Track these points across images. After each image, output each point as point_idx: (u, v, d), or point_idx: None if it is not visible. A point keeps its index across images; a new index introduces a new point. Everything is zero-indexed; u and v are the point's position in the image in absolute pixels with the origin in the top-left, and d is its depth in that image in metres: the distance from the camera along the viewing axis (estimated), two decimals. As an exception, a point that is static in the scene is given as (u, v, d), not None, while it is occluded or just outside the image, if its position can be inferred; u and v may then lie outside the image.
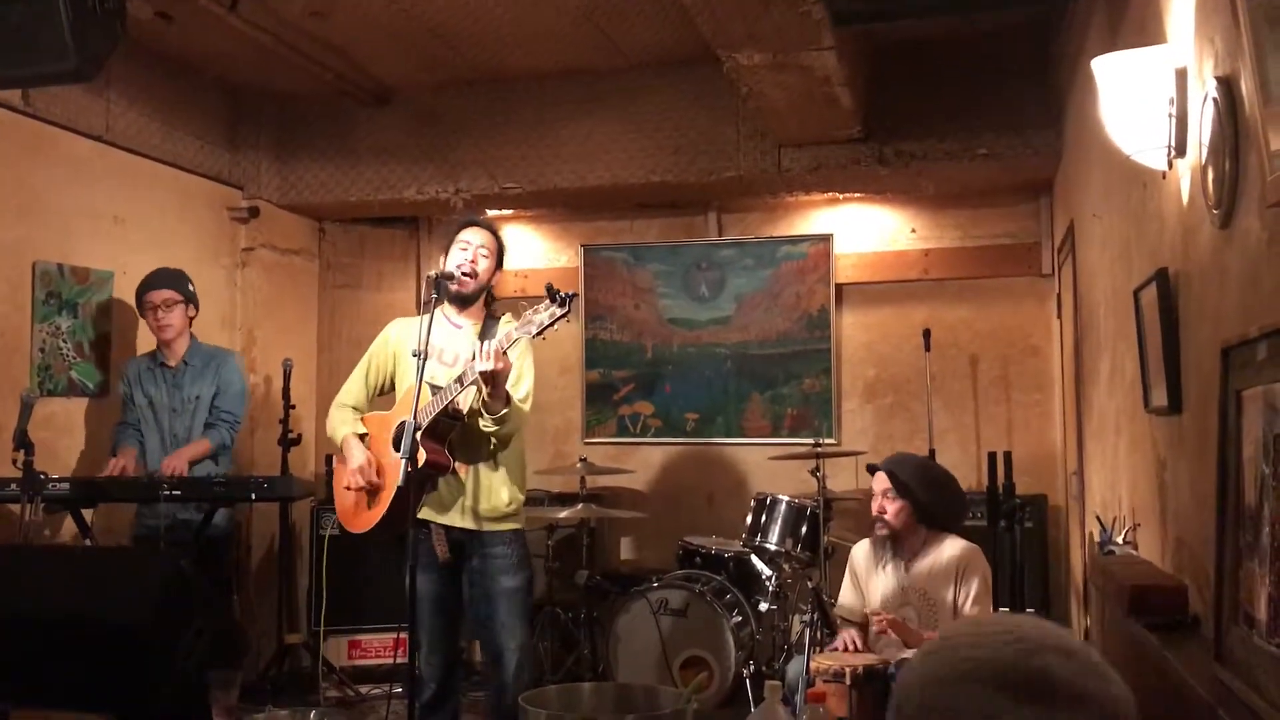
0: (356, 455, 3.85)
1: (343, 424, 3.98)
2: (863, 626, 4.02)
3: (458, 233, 3.96)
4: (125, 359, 5.18)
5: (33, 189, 4.81)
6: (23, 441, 4.20)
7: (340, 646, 5.70)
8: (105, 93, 5.11)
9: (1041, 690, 1.01)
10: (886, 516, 3.89)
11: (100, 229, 5.18)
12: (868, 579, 4.05)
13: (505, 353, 3.50)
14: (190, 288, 5.05)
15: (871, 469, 4.04)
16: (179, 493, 4.58)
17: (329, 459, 6.01)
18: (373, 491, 3.80)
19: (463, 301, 3.93)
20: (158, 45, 5.32)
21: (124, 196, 5.31)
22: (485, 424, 3.66)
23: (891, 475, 3.89)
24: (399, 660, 5.28)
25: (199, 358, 5.04)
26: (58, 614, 2.38)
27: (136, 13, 4.54)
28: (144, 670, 2.31)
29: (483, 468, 3.83)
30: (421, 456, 3.58)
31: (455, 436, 3.76)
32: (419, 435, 3.58)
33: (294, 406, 5.45)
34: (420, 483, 3.70)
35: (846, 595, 4.14)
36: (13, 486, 4.20)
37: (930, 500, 3.90)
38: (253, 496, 4.80)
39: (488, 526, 3.82)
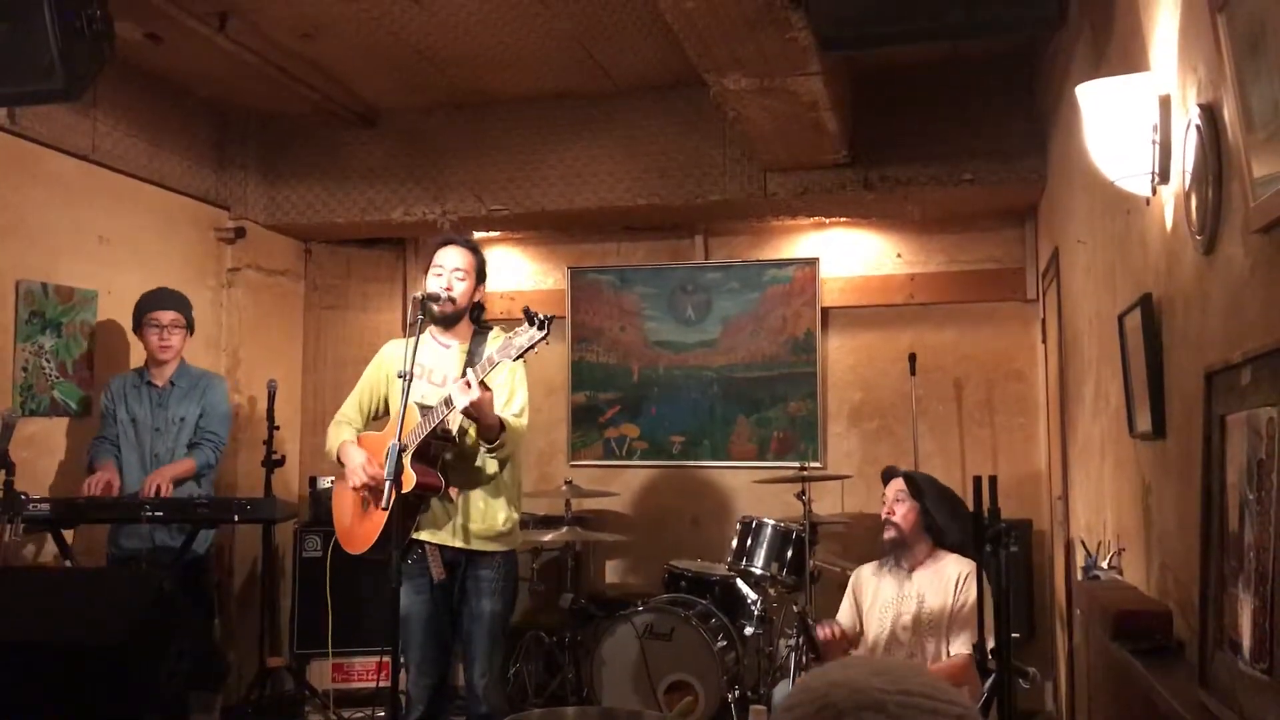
0: (356, 455, 3.85)
1: (339, 438, 3.98)
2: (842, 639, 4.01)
3: (434, 253, 3.96)
4: (108, 378, 5.14)
5: (17, 208, 4.79)
6: (3, 461, 4.17)
7: (323, 670, 5.65)
8: (92, 112, 5.10)
9: None
10: (895, 518, 3.95)
11: (85, 248, 5.15)
12: (865, 600, 4.06)
13: (484, 383, 3.50)
14: (191, 314, 5.11)
15: (888, 474, 4.12)
16: (160, 513, 4.55)
17: (313, 480, 6.00)
18: (373, 513, 3.79)
19: (446, 322, 3.94)
20: (145, 65, 5.32)
21: (109, 216, 5.30)
22: (483, 450, 3.68)
23: (907, 479, 3.99)
24: (383, 683, 5.24)
25: (186, 379, 5.04)
26: (38, 636, 2.36)
27: (125, 33, 4.54)
28: (125, 692, 2.29)
29: (479, 487, 3.83)
30: (412, 479, 3.58)
31: (448, 458, 3.75)
32: (409, 458, 3.58)
33: (278, 427, 5.42)
34: (412, 504, 3.70)
35: (842, 615, 4.13)
36: (-8, 507, 4.17)
37: (939, 512, 3.96)
38: (235, 518, 4.77)
39: (482, 546, 3.83)
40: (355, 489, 3.83)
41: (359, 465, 3.80)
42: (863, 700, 1.03)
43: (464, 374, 3.57)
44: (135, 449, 4.92)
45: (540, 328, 3.34)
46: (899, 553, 3.98)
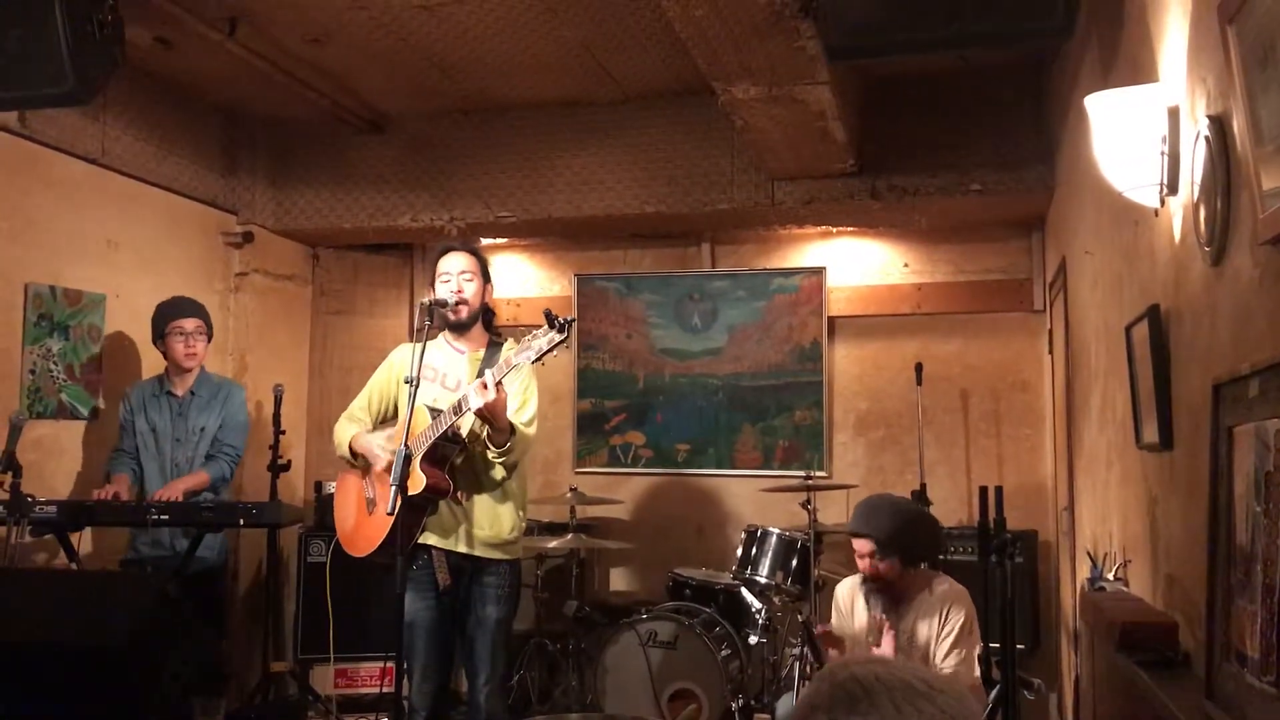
0: (373, 440, 3.86)
1: (349, 432, 3.97)
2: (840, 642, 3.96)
3: (437, 262, 3.97)
4: (117, 382, 5.15)
5: (27, 210, 4.81)
6: (10, 464, 4.17)
7: (327, 675, 5.65)
8: (101, 116, 5.12)
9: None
10: (880, 574, 3.81)
11: (93, 252, 5.17)
12: (854, 617, 4.01)
13: (500, 384, 3.50)
14: (210, 321, 5.14)
15: (852, 534, 3.88)
16: (166, 517, 4.55)
17: (318, 485, 6.01)
18: (374, 510, 3.79)
19: (460, 328, 3.94)
20: (155, 69, 5.34)
21: (118, 220, 5.31)
22: (492, 455, 3.67)
23: (876, 540, 3.77)
24: (386, 689, 5.24)
25: (207, 389, 5.04)
26: (42, 638, 2.36)
27: (135, 37, 4.56)
28: (128, 695, 2.29)
29: (488, 494, 3.82)
30: (421, 481, 3.57)
31: (457, 461, 3.75)
32: (419, 459, 3.58)
33: (284, 432, 5.42)
34: (419, 507, 3.69)
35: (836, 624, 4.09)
36: (-1, 509, 4.18)
37: (914, 546, 3.85)
38: (241, 522, 4.77)
39: (488, 553, 3.82)
40: (382, 471, 3.82)
41: (378, 445, 3.81)
42: (862, 658, 1.18)
43: (481, 376, 3.57)
44: (155, 459, 4.91)
45: (560, 330, 3.34)
46: (882, 590, 3.88)
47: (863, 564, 3.84)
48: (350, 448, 3.93)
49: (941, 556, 5.25)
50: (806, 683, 3.82)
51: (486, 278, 4.00)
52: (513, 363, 3.48)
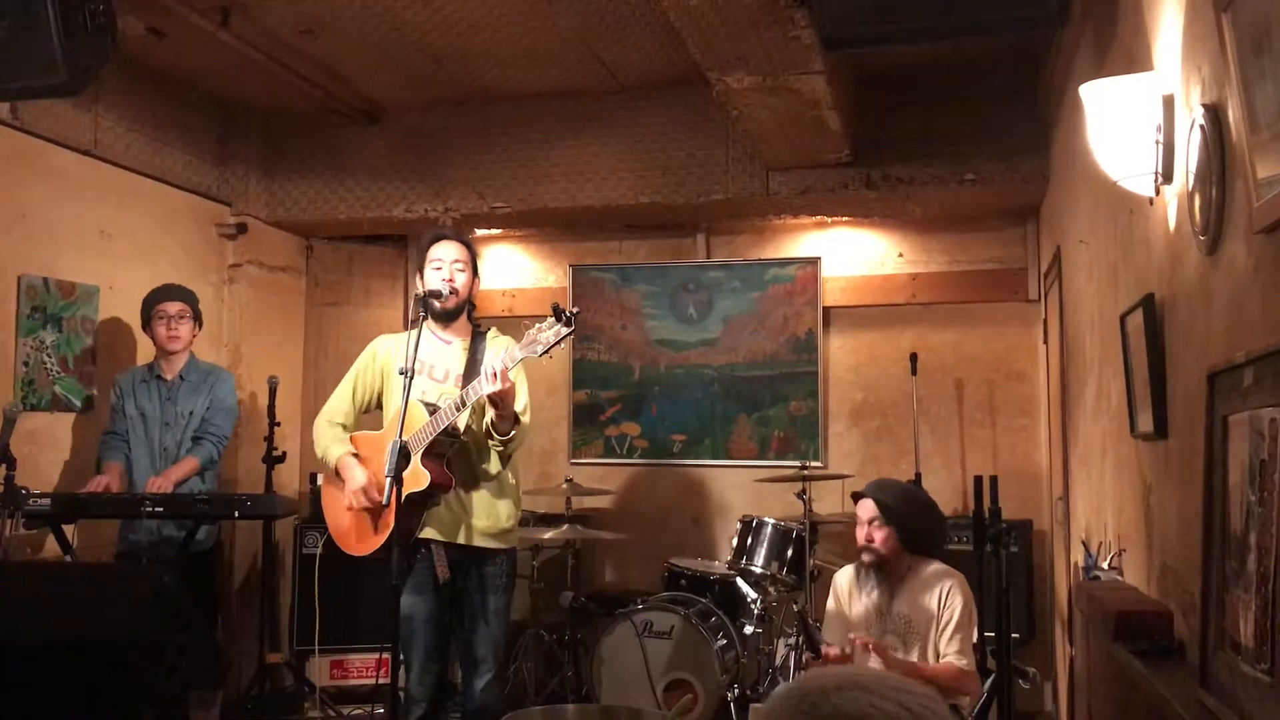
0: (357, 476, 3.81)
1: (334, 443, 3.93)
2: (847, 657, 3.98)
3: (428, 249, 3.96)
4: (111, 374, 5.15)
5: (19, 202, 4.79)
6: (4, 456, 4.17)
7: (323, 666, 5.65)
8: (94, 107, 5.10)
9: None
10: (875, 544, 3.83)
11: (87, 243, 5.15)
12: (851, 605, 4.02)
13: (509, 372, 3.50)
14: (199, 308, 5.14)
15: (856, 496, 3.97)
16: (161, 509, 4.55)
17: (313, 477, 6.00)
18: (375, 513, 3.77)
19: (447, 317, 3.93)
20: (148, 60, 5.31)
21: (111, 211, 5.30)
22: (495, 444, 3.68)
23: (879, 503, 3.82)
24: (382, 680, 5.24)
25: (196, 374, 5.06)
26: (37, 631, 2.36)
27: (127, 28, 4.53)
28: (125, 688, 2.28)
29: (484, 485, 3.83)
30: (425, 478, 3.57)
31: (453, 454, 3.75)
32: (419, 456, 3.57)
33: (279, 424, 5.42)
34: (422, 502, 3.69)
35: (831, 623, 4.09)
36: (-7, 501, 4.17)
37: (915, 526, 3.86)
38: (236, 514, 4.77)
39: (486, 543, 3.82)
40: (350, 509, 3.81)
41: (359, 490, 3.77)
42: (843, 680, 1.16)
43: (472, 365, 3.57)
44: (144, 444, 4.93)
45: (567, 324, 3.35)
46: (880, 573, 3.89)
47: (861, 532, 3.86)
48: (335, 467, 3.91)
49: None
50: (801, 672, 3.82)
51: (476, 271, 4.00)
52: (518, 356, 3.48)
